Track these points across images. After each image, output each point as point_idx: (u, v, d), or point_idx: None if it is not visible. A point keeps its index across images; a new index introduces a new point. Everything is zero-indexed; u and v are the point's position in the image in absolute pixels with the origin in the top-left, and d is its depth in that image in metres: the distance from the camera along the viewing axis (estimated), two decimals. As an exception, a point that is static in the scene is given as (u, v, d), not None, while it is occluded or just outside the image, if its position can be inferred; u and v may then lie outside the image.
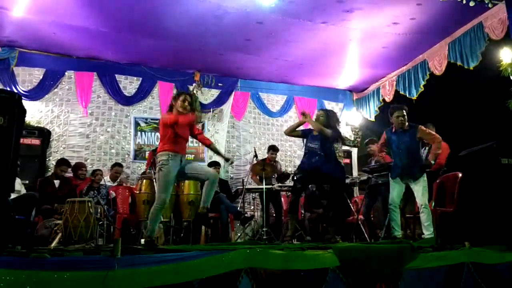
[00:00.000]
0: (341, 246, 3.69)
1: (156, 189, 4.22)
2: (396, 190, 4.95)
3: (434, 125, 6.42)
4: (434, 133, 4.96)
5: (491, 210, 4.74)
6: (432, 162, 4.88)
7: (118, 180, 6.90)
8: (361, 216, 6.58)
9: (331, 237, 4.92)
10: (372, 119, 8.69)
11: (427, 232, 4.80)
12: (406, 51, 7.12)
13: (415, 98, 7.30)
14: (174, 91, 8.17)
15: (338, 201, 5.12)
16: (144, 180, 5.77)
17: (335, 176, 4.98)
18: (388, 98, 8.13)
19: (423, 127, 4.99)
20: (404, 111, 5.00)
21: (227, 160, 4.70)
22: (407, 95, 7.49)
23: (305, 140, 5.09)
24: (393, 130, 5.08)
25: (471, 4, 5.39)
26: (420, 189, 4.83)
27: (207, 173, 4.22)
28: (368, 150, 6.95)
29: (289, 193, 6.80)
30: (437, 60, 6.81)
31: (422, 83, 7.14)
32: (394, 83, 7.93)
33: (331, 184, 4.95)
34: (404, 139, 4.98)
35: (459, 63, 6.30)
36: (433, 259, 3.52)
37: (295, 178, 5.24)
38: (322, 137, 4.99)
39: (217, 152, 4.65)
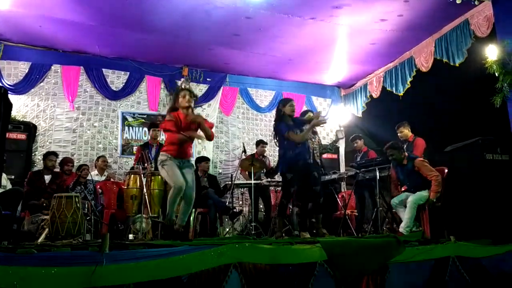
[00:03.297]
0: (329, 240, 3.72)
1: (168, 182, 4.27)
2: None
3: (422, 121, 6.52)
4: (432, 169, 5.07)
5: (476, 205, 4.82)
6: (434, 200, 5.01)
7: (106, 174, 6.85)
8: (354, 211, 6.65)
9: (321, 225, 4.93)
10: (359, 115, 8.75)
11: (404, 224, 4.93)
12: (394, 47, 7.17)
13: (402, 94, 7.36)
14: (162, 86, 8.13)
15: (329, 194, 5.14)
16: (132, 176, 5.73)
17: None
18: (375, 94, 8.18)
19: (419, 160, 5.17)
20: (392, 149, 5.27)
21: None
22: (394, 91, 7.55)
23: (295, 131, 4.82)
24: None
25: (458, 1, 5.44)
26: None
27: (187, 193, 4.17)
28: (354, 146, 7.01)
29: (278, 188, 6.82)
30: (423, 56, 6.86)
31: (409, 79, 7.20)
32: (382, 79, 7.99)
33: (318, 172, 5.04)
34: (405, 172, 5.27)
35: (445, 59, 6.37)
36: (419, 253, 3.57)
37: (287, 178, 4.94)
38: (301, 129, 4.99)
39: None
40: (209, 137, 4.34)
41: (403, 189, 5.55)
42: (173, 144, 4.18)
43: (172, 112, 4.25)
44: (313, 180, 4.87)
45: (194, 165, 4.37)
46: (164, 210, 5.85)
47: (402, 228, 4.93)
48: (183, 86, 7.97)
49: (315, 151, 5.29)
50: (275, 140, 4.96)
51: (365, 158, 6.44)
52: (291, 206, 6.67)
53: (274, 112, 8.92)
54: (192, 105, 4.28)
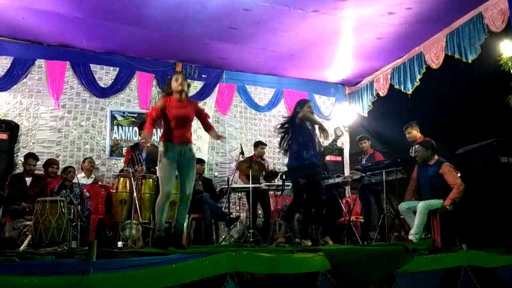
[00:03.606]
0: (332, 248, 3.72)
1: (160, 180, 4.31)
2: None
3: (432, 121, 6.52)
4: (457, 177, 5.13)
5: (490, 211, 4.82)
6: (448, 207, 5.03)
7: (93, 176, 6.84)
8: (359, 218, 6.65)
9: (320, 237, 4.95)
10: (365, 114, 8.76)
11: (413, 231, 4.95)
12: (402, 42, 7.18)
13: (410, 92, 7.37)
14: (154, 82, 8.12)
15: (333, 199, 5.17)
16: (121, 179, 5.71)
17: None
18: (382, 93, 8.19)
19: (447, 165, 5.20)
20: (421, 146, 5.35)
21: (219, 137, 4.68)
22: (402, 89, 7.56)
23: (302, 136, 4.96)
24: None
25: (470, -7, 5.46)
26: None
27: (183, 190, 4.25)
28: (361, 146, 7.01)
29: (278, 192, 6.82)
30: (434, 52, 6.88)
31: (418, 76, 7.21)
32: (389, 76, 8.00)
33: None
34: (428, 174, 5.28)
35: (457, 55, 6.37)
36: (428, 262, 3.56)
37: (291, 172, 5.10)
38: (314, 131, 5.07)
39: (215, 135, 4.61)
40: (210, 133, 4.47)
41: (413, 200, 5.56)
42: (171, 127, 4.22)
43: (163, 97, 4.35)
44: (319, 188, 4.90)
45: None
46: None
47: (412, 235, 4.94)
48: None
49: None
50: (285, 145, 5.00)
51: (371, 161, 6.45)
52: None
53: (273, 111, 9.08)
54: (186, 89, 4.34)
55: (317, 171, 4.95)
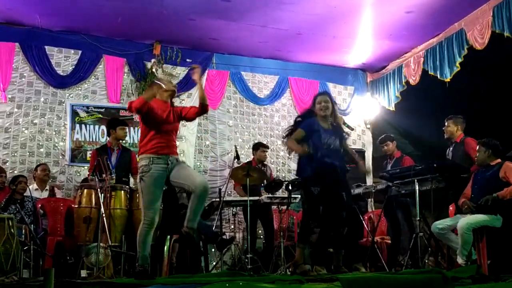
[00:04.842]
0: (352, 277, 3.72)
1: (141, 203, 4.37)
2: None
3: (473, 115, 6.52)
4: None
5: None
6: (500, 197, 5.04)
7: (48, 187, 6.83)
8: (386, 238, 6.64)
9: (339, 265, 4.95)
10: (392, 107, 8.76)
11: (461, 259, 4.93)
12: (437, 17, 7.18)
13: (449, 80, 7.38)
14: (126, 69, 8.12)
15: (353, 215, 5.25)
16: (85, 190, 5.71)
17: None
18: (413, 80, 8.19)
19: (510, 164, 5.21)
20: (481, 146, 5.37)
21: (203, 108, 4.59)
22: (438, 76, 7.55)
23: (312, 138, 5.01)
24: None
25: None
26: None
27: (193, 183, 4.29)
28: (384, 149, 7.00)
29: (283, 207, 6.82)
30: (477, 29, 6.87)
31: (459, 60, 7.21)
32: (421, 60, 7.99)
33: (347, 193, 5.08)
34: (485, 177, 5.28)
35: (506, 33, 6.38)
36: (473, 293, 3.56)
37: (303, 181, 5.14)
38: (336, 131, 5.08)
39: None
40: (204, 106, 4.45)
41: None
42: (155, 135, 4.28)
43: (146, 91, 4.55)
44: (337, 200, 4.90)
45: None
46: (129, 237, 5.85)
47: (459, 256, 4.95)
48: (153, 70, 7.97)
49: None
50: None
51: (399, 166, 6.45)
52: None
53: (276, 104, 9.08)
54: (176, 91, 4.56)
55: (335, 176, 4.92)
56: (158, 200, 4.34)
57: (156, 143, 4.29)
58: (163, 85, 4.47)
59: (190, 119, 4.65)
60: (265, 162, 7.51)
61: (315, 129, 4.99)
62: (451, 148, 6.15)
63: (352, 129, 5.73)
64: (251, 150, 7.61)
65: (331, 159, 4.91)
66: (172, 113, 4.45)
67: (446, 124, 6.22)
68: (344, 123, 5.44)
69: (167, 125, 4.36)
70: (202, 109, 4.46)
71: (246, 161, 7.19)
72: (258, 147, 7.42)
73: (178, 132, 4.72)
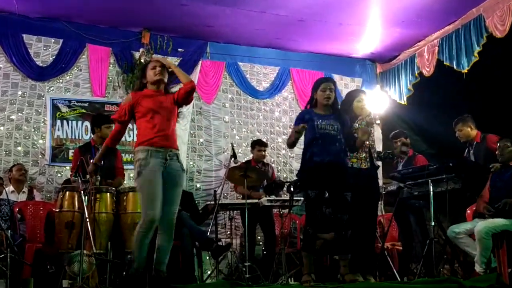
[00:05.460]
0: (359, 286, 3.73)
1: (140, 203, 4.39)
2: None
3: (493, 110, 6.52)
4: None
5: None
6: None
7: (25, 189, 6.82)
8: (397, 244, 6.64)
9: (346, 271, 4.94)
10: (403, 101, 8.76)
11: (479, 267, 4.92)
12: (454, 2, 7.19)
13: (466, 71, 7.38)
14: (112, 59, 8.10)
15: (367, 216, 5.21)
16: (67, 193, 5.69)
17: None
18: (427, 71, 8.20)
19: None
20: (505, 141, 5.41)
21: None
22: (455, 67, 7.56)
23: (306, 131, 5.01)
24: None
25: None
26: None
27: (163, 215, 4.28)
28: (395, 146, 7.00)
29: (284, 210, 6.82)
30: (498, 15, 6.87)
31: (477, 49, 7.21)
32: (436, 49, 8.00)
33: (354, 192, 5.01)
34: (504, 178, 5.33)
35: (529, 20, 6.40)
36: (492, 305, 3.58)
37: (299, 183, 5.16)
38: (338, 117, 5.05)
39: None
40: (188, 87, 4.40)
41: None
42: (146, 130, 4.32)
43: (133, 92, 4.48)
44: (338, 201, 4.88)
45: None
46: (116, 243, 5.85)
47: (477, 264, 4.96)
48: (142, 60, 7.96)
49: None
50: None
51: (412, 165, 6.45)
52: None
53: (277, 97, 9.07)
54: (166, 79, 4.47)
55: (335, 175, 4.86)
56: (159, 195, 4.25)
57: (151, 134, 4.30)
58: (148, 76, 4.46)
59: (182, 101, 4.54)
60: (266, 161, 7.50)
61: (307, 118, 4.97)
62: (471, 151, 6.15)
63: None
64: (249, 148, 7.61)
65: (329, 152, 4.86)
66: (168, 100, 4.44)
67: (457, 129, 6.25)
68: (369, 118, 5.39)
69: (158, 112, 4.34)
70: (185, 88, 4.40)
71: (244, 160, 7.19)
72: (254, 145, 7.42)
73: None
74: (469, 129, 6.19)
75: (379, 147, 9.06)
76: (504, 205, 5.00)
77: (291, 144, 5.09)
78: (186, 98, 4.45)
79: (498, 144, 5.43)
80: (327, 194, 4.91)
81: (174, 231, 4.42)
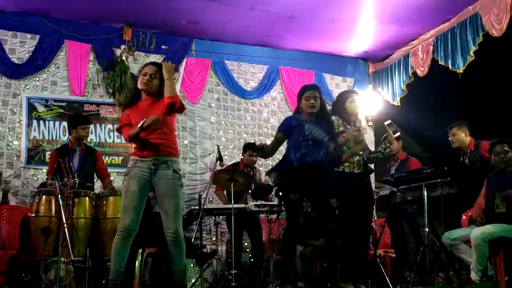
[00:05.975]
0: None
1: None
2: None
3: (489, 111, 6.55)
4: None
5: None
6: None
7: (-1, 193, 6.81)
8: (390, 251, 6.65)
9: (336, 280, 4.96)
10: (397, 102, 8.80)
11: (475, 275, 4.96)
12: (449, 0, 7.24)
13: (462, 71, 7.42)
14: (91, 56, 8.07)
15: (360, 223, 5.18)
16: (44, 197, 5.68)
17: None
18: (421, 71, 8.23)
19: None
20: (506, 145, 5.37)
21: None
22: (450, 67, 7.60)
23: (293, 133, 5.01)
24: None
25: None
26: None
27: (165, 228, 4.41)
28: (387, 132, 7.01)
29: (273, 216, 6.82)
30: (494, 13, 6.91)
31: (473, 48, 7.25)
32: (431, 48, 8.04)
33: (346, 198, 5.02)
34: (502, 184, 5.28)
35: (527, 18, 6.45)
36: (489, 315, 3.60)
37: (277, 187, 5.16)
38: (325, 125, 5.05)
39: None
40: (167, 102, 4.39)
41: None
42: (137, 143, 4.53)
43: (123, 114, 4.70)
44: (323, 208, 4.88)
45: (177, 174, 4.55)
46: (95, 250, 5.82)
47: (473, 272, 4.98)
48: (123, 58, 7.93)
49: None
50: None
51: (405, 169, 6.47)
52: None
53: (266, 97, 9.07)
54: (155, 86, 4.58)
55: (320, 178, 4.84)
56: (136, 205, 4.41)
57: (138, 142, 4.47)
58: (138, 80, 4.61)
59: (168, 113, 4.52)
60: (255, 166, 7.49)
61: (294, 125, 4.97)
62: (466, 159, 6.18)
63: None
64: (235, 150, 7.61)
65: (317, 156, 4.84)
66: (157, 106, 4.50)
67: (451, 133, 6.29)
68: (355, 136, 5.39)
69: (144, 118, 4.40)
70: (169, 108, 4.40)
71: (231, 163, 7.17)
72: (247, 149, 7.36)
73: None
74: (463, 135, 6.22)
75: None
76: (504, 198, 5.01)
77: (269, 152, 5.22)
78: (168, 112, 4.46)
79: (495, 149, 5.44)
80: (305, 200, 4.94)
81: (182, 243, 4.56)
